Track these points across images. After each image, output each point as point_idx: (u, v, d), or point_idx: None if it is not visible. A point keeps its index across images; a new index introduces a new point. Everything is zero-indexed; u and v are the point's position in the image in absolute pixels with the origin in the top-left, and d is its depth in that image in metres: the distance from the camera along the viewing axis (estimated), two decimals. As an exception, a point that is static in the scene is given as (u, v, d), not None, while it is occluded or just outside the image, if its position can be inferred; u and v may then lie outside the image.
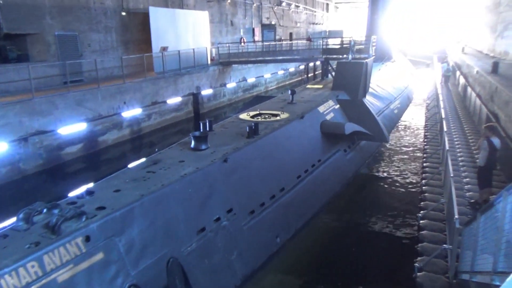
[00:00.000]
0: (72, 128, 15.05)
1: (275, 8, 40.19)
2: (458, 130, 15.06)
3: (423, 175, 11.67)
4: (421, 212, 9.18)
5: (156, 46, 21.05)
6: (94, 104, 16.21)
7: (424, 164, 12.53)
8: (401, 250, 8.95)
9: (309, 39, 40.28)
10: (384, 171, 14.05)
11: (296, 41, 39.29)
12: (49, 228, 4.44)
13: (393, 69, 24.20)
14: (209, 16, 27.11)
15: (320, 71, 26.81)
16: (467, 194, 9.59)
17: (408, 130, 19.72)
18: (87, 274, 4.45)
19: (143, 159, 7.39)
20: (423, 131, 17.67)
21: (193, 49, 23.49)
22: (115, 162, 16.14)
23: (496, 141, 8.38)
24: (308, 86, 16.90)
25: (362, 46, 21.33)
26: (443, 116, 14.89)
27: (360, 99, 13.94)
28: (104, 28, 20.22)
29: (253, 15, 36.14)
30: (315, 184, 9.83)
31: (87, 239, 4.55)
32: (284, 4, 41.85)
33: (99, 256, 4.63)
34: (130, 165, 7.11)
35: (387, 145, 16.33)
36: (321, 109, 12.15)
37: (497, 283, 4.02)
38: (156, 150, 8.64)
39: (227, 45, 27.75)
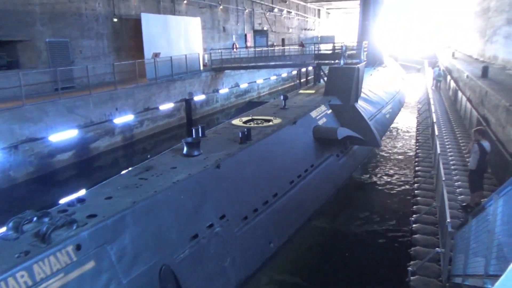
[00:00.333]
0: (63, 135, 14.93)
1: (267, 14, 40.40)
2: (449, 134, 15.18)
3: (415, 179, 11.72)
4: (414, 215, 9.20)
5: (148, 52, 21.02)
6: (86, 111, 16.12)
7: (416, 168, 12.59)
8: (394, 254, 8.97)
9: (301, 45, 40.51)
10: (376, 176, 14.11)
11: (288, 47, 39.50)
12: (39, 236, 4.38)
13: (384, 74, 24.38)
14: (202, 22, 27.17)
15: (312, 76, 26.95)
16: (459, 197, 9.64)
17: (400, 135, 19.86)
18: (78, 283, 4.39)
19: (135, 166, 7.35)
20: (415, 135, 17.80)
21: (185, 55, 23.50)
22: (107, 169, 16.03)
23: (486, 144, 8.46)
24: (301, 91, 16.97)
25: (354, 52, 21.48)
26: (435, 120, 15.01)
27: (352, 104, 14.02)
28: (95, 34, 20.17)
29: (245, 21, 36.29)
30: (308, 189, 9.83)
31: (78, 247, 4.49)
32: (276, 10, 42.09)
33: (90, 264, 4.57)
34: (122, 172, 7.06)
35: (380, 150, 16.41)
36: (314, 114, 12.18)
37: (489, 286, 4.03)
38: (148, 156, 8.60)
39: (219, 51, 27.82)
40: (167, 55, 21.93)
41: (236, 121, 10.87)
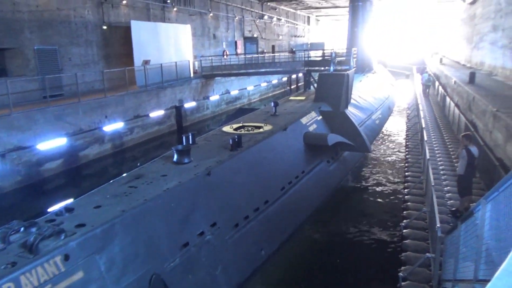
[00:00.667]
0: (52, 143, 14.75)
1: (257, 21, 40.62)
2: (438, 140, 15.33)
3: (405, 184, 11.80)
4: (404, 221, 9.24)
5: (138, 60, 20.95)
6: (75, 119, 15.97)
7: (406, 173, 12.68)
8: (385, 260, 8.99)
9: (292, 52, 40.73)
10: (367, 181, 14.17)
11: (278, 54, 39.68)
12: (26, 247, 4.31)
13: (374, 80, 24.61)
14: (192, 30, 27.20)
15: (303, 83, 27.08)
16: (449, 202, 9.71)
17: (390, 140, 20.01)
18: (66, 294, 4.32)
19: (124, 174, 7.29)
20: (405, 140, 17.95)
21: (176, 62, 23.47)
22: (97, 177, 15.87)
23: (474, 149, 8.56)
24: (291, 98, 17.03)
25: (343, 58, 21.64)
26: (424, 126, 15.16)
27: (342, 110, 14.11)
28: (85, 42, 20.06)
29: (236, 28, 36.42)
30: (299, 195, 9.84)
31: (66, 257, 4.43)
32: (266, 17, 42.32)
33: (79, 275, 4.51)
34: (111, 180, 7.00)
35: (370, 155, 16.51)
36: (304, 120, 12.23)
37: (479, 291, 4.06)
38: (138, 164, 8.53)
39: (210, 58, 27.84)
40: (157, 62, 21.88)
41: (227, 128, 10.86)
